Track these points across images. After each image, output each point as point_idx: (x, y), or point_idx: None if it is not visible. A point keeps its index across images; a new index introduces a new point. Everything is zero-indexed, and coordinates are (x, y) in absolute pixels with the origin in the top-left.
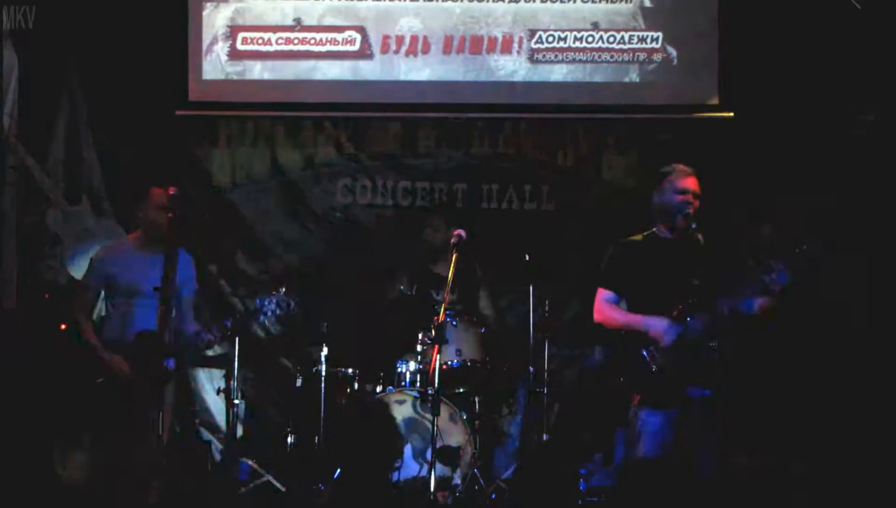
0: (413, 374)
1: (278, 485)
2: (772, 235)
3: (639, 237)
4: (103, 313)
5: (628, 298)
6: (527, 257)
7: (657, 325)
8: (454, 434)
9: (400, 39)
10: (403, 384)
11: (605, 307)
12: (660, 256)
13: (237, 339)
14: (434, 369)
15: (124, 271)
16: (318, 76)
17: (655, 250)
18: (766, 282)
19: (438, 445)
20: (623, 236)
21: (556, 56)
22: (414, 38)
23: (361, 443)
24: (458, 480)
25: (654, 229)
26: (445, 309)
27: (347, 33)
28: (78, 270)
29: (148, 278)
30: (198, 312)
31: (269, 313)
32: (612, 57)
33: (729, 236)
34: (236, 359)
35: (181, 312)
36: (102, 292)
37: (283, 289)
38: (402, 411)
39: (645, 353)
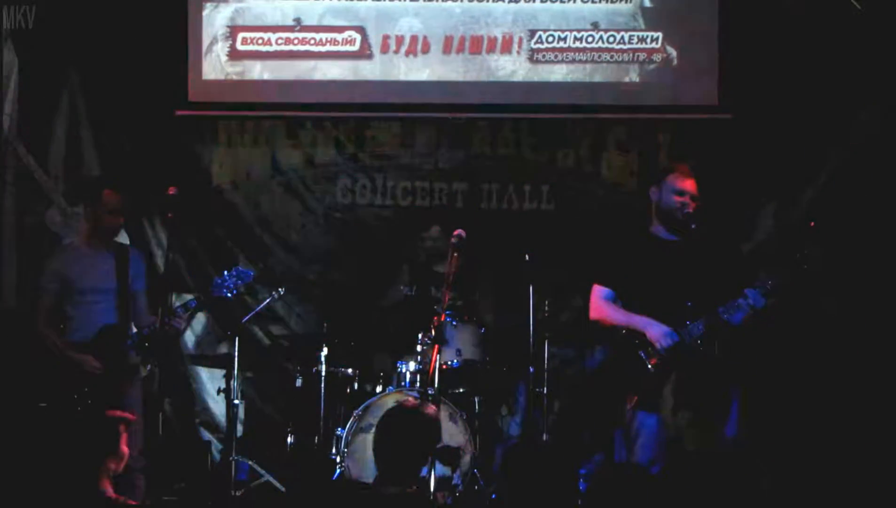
0: (413, 374)
1: (278, 485)
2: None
3: (637, 235)
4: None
5: (624, 296)
6: (527, 257)
7: (656, 329)
8: (454, 434)
9: (400, 39)
10: (403, 384)
11: (602, 305)
12: (657, 255)
13: (237, 339)
14: (434, 369)
15: (78, 271)
16: (318, 76)
17: (653, 249)
18: (741, 305)
19: (438, 445)
20: (621, 234)
21: (556, 56)
22: (414, 39)
23: None
24: (458, 480)
25: (652, 228)
26: (445, 309)
27: (347, 33)
28: None
29: (100, 276)
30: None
31: (231, 285)
32: (612, 57)
33: (726, 236)
34: (236, 359)
35: (136, 306)
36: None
37: (283, 289)
38: None
39: (643, 354)
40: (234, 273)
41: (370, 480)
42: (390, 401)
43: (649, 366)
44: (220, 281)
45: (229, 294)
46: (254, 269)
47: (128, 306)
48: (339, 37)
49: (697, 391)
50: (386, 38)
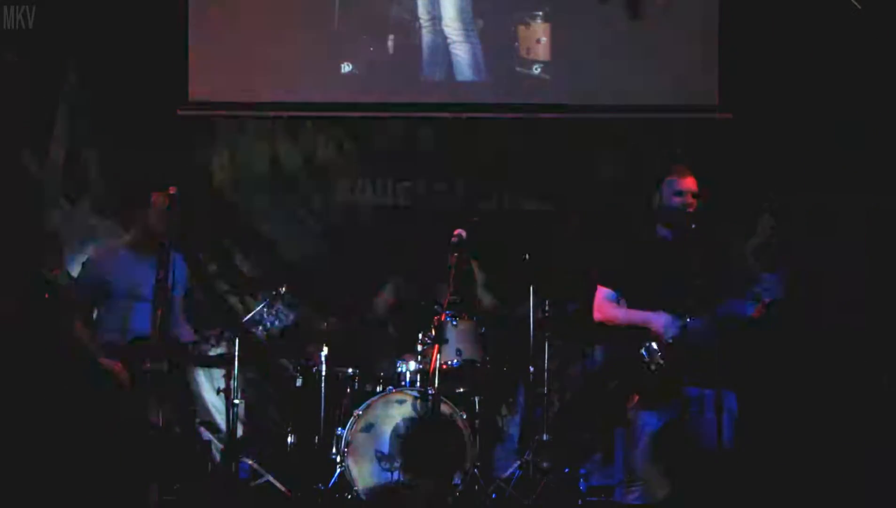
0: (413, 374)
1: (278, 485)
2: (771, 226)
3: (642, 238)
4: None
5: (629, 297)
6: (527, 257)
7: (658, 320)
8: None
9: (400, 39)
10: (403, 384)
11: (606, 306)
12: (661, 257)
13: (237, 339)
14: (434, 369)
15: (117, 273)
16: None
17: (657, 251)
18: (757, 292)
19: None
20: (626, 236)
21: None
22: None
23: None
24: (458, 480)
25: (657, 230)
26: (445, 309)
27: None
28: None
29: (141, 279)
30: (197, 312)
31: (269, 324)
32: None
33: (727, 236)
34: (236, 359)
35: (174, 313)
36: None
37: (283, 289)
38: (402, 411)
39: (644, 353)
40: (275, 312)
41: (370, 480)
42: (392, 402)
43: (651, 367)
44: (258, 318)
45: (264, 331)
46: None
47: (165, 313)
48: None
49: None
50: (386, 38)
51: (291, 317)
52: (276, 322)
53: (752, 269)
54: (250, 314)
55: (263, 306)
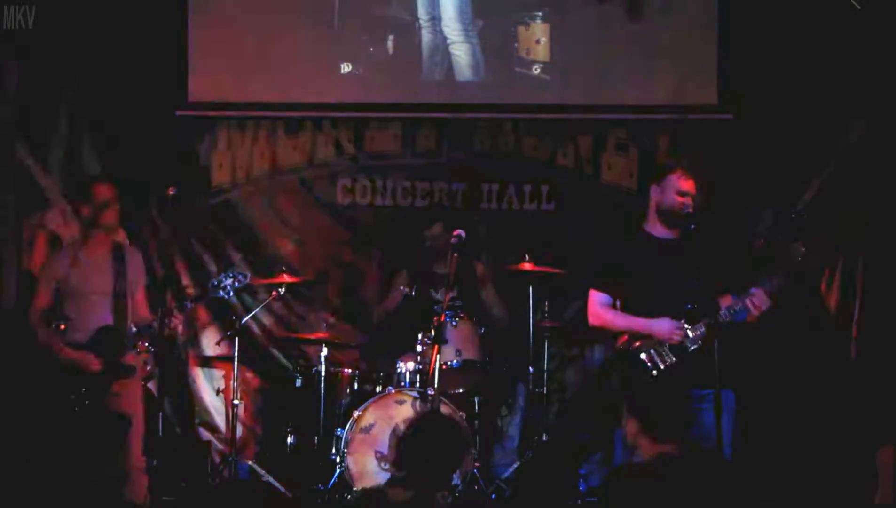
0: (413, 374)
1: (278, 485)
2: (772, 227)
3: (632, 236)
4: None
5: (623, 300)
6: (527, 257)
7: (662, 326)
8: None
9: (400, 39)
10: (403, 384)
11: (602, 311)
12: (655, 256)
13: (237, 339)
14: (434, 369)
15: (76, 272)
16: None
17: (650, 250)
18: (747, 305)
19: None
20: (616, 237)
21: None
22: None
23: None
24: (457, 480)
25: (648, 226)
26: (445, 309)
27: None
28: None
29: (98, 276)
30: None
31: (227, 288)
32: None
33: (724, 236)
34: (236, 359)
35: (134, 306)
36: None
37: (283, 289)
38: (402, 411)
39: (643, 357)
40: (231, 274)
41: (370, 480)
42: (392, 402)
43: (652, 371)
44: (216, 283)
45: (226, 296)
46: (250, 270)
47: (125, 306)
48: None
49: (645, 400)
50: (386, 38)
51: (246, 275)
52: (235, 283)
53: (749, 270)
54: (250, 314)
55: (263, 306)
